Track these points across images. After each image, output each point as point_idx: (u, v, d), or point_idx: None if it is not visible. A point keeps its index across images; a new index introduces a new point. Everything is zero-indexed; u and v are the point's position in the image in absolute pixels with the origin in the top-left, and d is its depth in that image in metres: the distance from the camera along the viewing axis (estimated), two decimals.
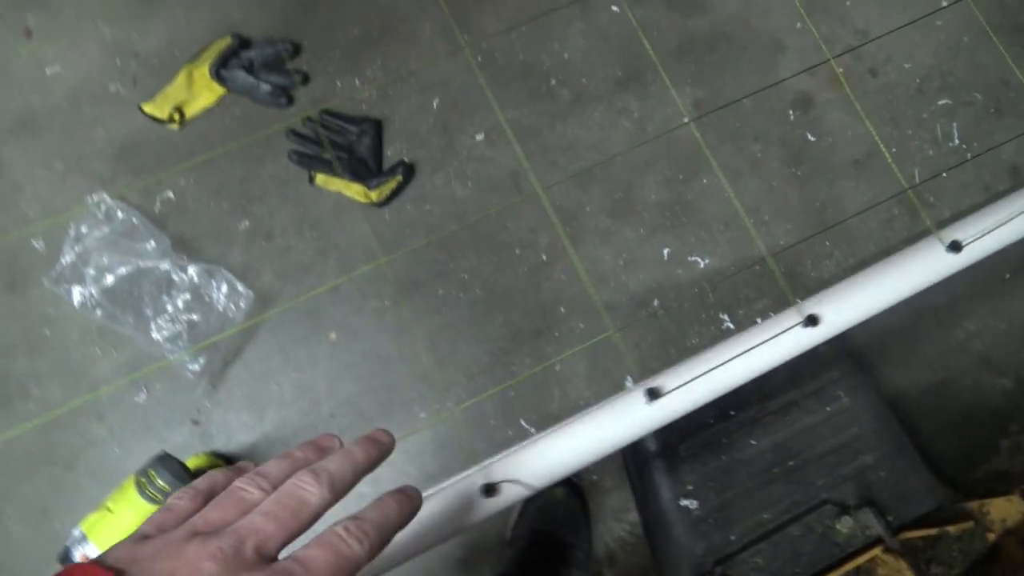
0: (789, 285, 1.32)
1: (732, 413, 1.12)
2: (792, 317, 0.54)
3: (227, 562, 0.34)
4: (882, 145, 1.37)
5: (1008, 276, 1.33)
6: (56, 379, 1.26)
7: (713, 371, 0.52)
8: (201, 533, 0.35)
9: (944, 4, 1.43)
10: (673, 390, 0.51)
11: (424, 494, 0.53)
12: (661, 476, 1.09)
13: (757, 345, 0.53)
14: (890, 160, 1.36)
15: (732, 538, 1.06)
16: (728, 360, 0.52)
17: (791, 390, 1.13)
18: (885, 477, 1.08)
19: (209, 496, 0.40)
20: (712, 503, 1.07)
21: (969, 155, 1.37)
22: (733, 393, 1.12)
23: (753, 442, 1.10)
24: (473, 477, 0.51)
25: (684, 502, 1.07)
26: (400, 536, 0.51)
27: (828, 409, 1.12)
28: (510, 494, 0.52)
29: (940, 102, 1.39)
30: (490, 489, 0.52)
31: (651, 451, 1.11)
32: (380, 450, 0.43)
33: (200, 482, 0.42)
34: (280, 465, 0.42)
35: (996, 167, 1.37)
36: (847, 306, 0.54)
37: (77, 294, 1.26)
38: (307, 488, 0.38)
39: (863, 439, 1.09)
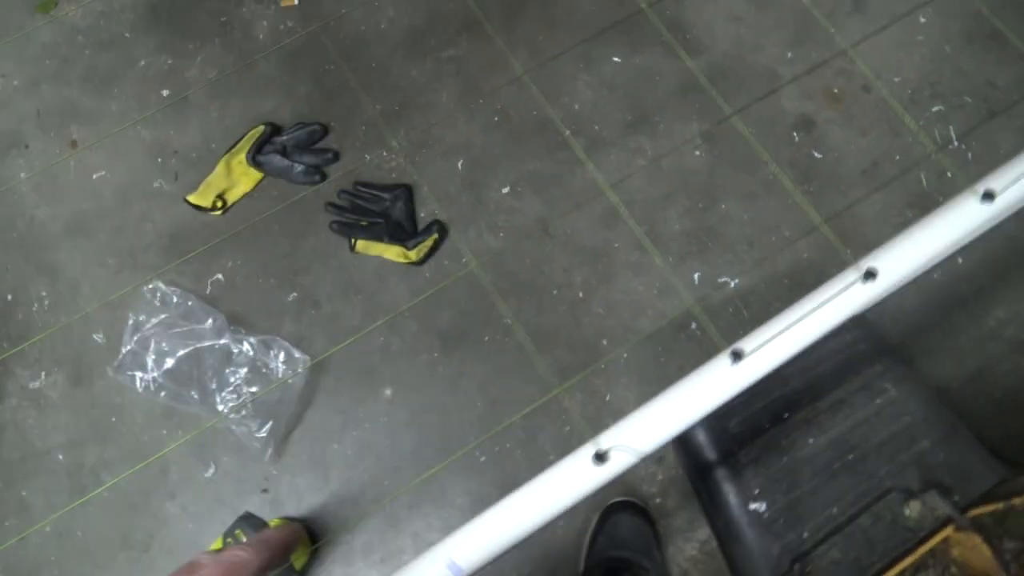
0: None
1: (786, 416, 1.15)
2: (851, 274, 0.59)
3: None
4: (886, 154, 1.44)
5: None
6: (126, 464, 1.30)
7: (790, 329, 0.56)
8: None
9: (922, 20, 1.53)
10: (755, 350, 0.56)
11: (542, 473, 0.57)
12: (727, 484, 1.11)
13: (825, 302, 0.58)
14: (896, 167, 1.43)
15: (805, 535, 1.08)
16: (802, 317, 0.57)
17: (838, 388, 1.17)
18: (944, 459, 1.10)
19: None
20: (780, 504, 1.09)
21: (970, 154, 1.44)
22: (785, 396, 1.16)
23: (811, 440, 1.13)
24: (584, 448, 0.55)
25: (753, 506, 1.10)
26: (522, 514, 0.55)
27: (878, 402, 1.15)
28: (619, 462, 0.56)
29: (934, 109, 1.47)
30: (601, 456, 0.56)
31: (712, 460, 1.14)
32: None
33: None
34: None
35: (997, 163, 1.44)
36: (901, 259, 0.60)
37: (140, 380, 1.31)
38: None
39: (916, 426, 1.13)
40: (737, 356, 0.57)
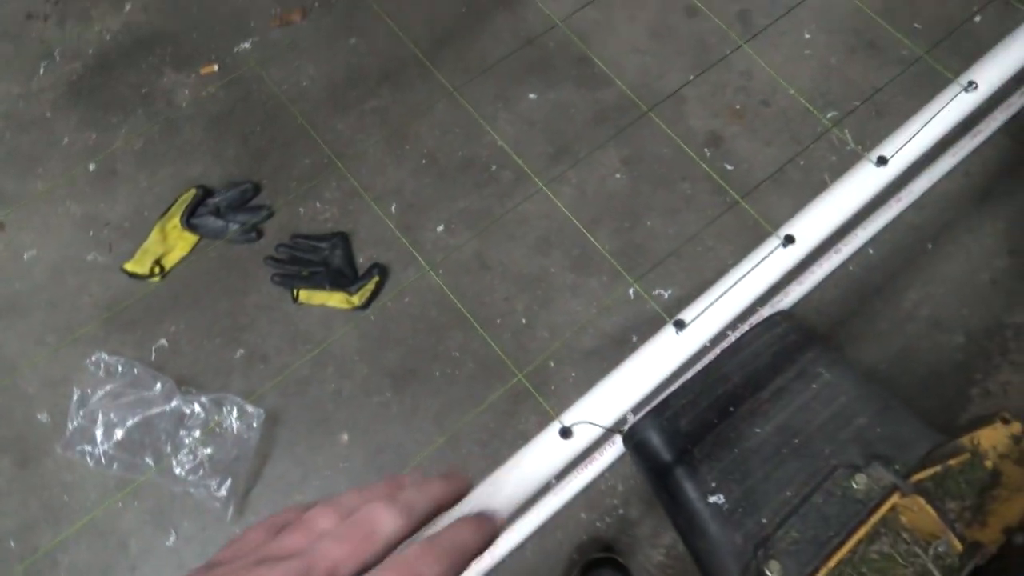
0: None
1: (732, 409, 1.21)
2: (772, 242, 0.65)
3: None
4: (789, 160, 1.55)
5: (931, 246, 1.49)
6: (83, 542, 1.27)
7: (727, 294, 0.62)
8: (270, 559, 0.34)
9: (807, 36, 1.66)
10: (696, 318, 0.61)
11: (509, 461, 0.61)
12: (685, 481, 1.16)
13: (753, 268, 0.63)
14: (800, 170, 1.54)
15: (764, 521, 1.12)
16: (734, 283, 0.62)
17: (777, 378, 1.24)
18: (881, 432, 1.17)
19: (283, 528, 0.38)
20: (736, 493, 1.14)
21: (866, 154, 1.55)
22: (728, 392, 1.22)
23: (757, 430, 1.19)
24: (550, 426, 0.59)
25: (712, 499, 1.14)
26: (497, 497, 0.58)
27: (814, 386, 1.22)
28: (584, 436, 0.60)
29: (828, 115, 1.59)
30: (566, 432, 0.60)
31: (669, 461, 1.18)
32: (458, 486, 0.42)
33: (274, 516, 0.40)
34: (353, 495, 0.39)
35: None
36: (814, 223, 0.66)
37: (90, 455, 1.29)
38: (380, 514, 0.36)
39: (852, 404, 1.20)
40: (680, 325, 0.62)
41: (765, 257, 0.64)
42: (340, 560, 0.34)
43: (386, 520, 0.36)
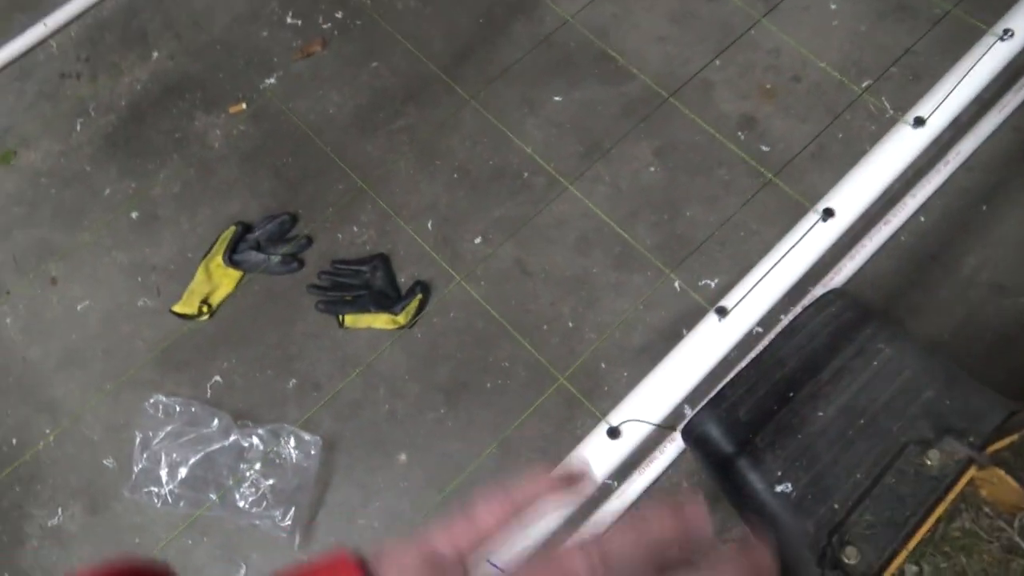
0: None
1: (791, 394, 1.17)
2: (811, 218, 0.63)
3: None
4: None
5: (985, 208, 1.43)
6: None
7: (768, 276, 0.60)
8: None
9: (833, 7, 1.62)
10: (738, 304, 0.59)
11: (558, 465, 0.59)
12: (750, 473, 1.13)
13: (793, 246, 0.61)
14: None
15: (836, 507, 1.08)
16: (774, 265, 0.60)
17: (835, 358, 1.19)
18: (951, 404, 1.13)
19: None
20: (804, 481, 1.11)
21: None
22: (785, 377, 1.19)
23: (820, 414, 1.15)
24: (597, 427, 0.58)
25: (779, 488, 1.11)
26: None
27: (875, 363, 1.18)
28: (633, 434, 0.58)
29: (863, 84, 1.54)
30: (614, 432, 0.58)
31: (731, 453, 1.15)
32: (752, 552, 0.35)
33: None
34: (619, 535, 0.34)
35: None
36: (854, 194, 0.64)
37: (156, 496, 1.31)
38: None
39: (917, 378, 1.15)
40: (722, 312, 0.60)
41: (804, 234, 0.62)
42: None
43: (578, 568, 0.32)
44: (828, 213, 0.63)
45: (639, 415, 0.57)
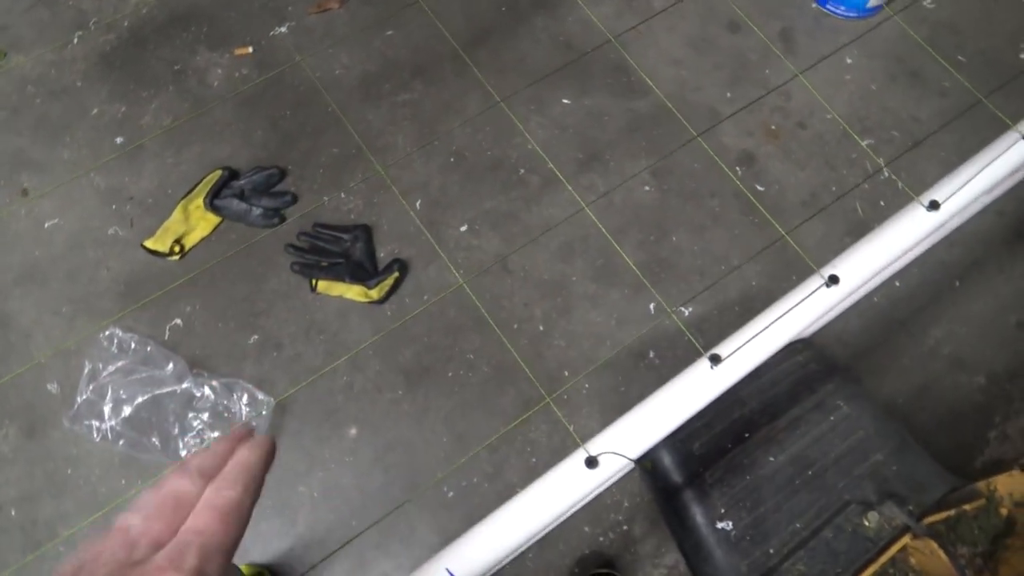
0: None
1: (747, 436, 1.19)
2: (816, 280, 0.63)
3: None
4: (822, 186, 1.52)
5: (958, 284, 1.47)
6: (83, 516, 1.27)
7: (763, 333, 0.60)
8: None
9: (849, 61, 1.63)
10: (732, 353, 0.60)
11: (533, 483, 0.59)
12: (694, 505, 1.14)
13: (795, 306, 0.61)
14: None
15: (771, 551, 1.11)
16: (774, 321, 0.61)
17: (794, 407, 1.21)
18: (897, 471, 1.15)
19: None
20: (746, 521, 1.12)
21: (900, 184, 1.53)
22: (744, 417, 1.20)
23: (771, 458, 1.17)
24: (575, 455, 0.58)
25: (720, 525, 1.12)
26: (519, 521, 0.57)
27: (832, 418, 1.20)
28: (610, 466, 0.58)
29: (864, 142, 1.56)
30: (592, 462, 0.58)
31: (679, 483, 1.16)
32: (242, 434, 0.45)
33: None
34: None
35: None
36: (861, 264, 0.64)
37: (96, 430, 1.29)
38: (175, 483, 0.40)
39: (869, 440, 1.18)
40: (716, 360, 0.61)
41: (808, 295, 0.63)
42: (159, 537, 0.37)
43: (183, 485, 0.39)
44: (833, 280, 0.63)
45: (618, 447, 0.57)
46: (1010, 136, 0.72)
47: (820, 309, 0.63)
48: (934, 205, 0.68)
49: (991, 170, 0.69)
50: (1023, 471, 1.21)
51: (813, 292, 0.63)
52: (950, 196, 0.68)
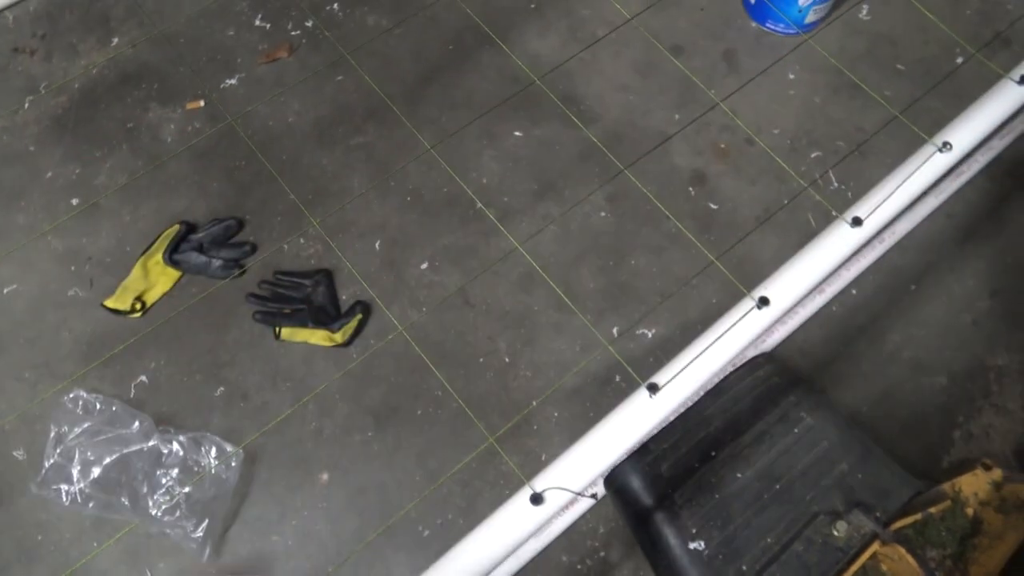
0: None
1: (713, 454, 1.20)
2: (747, 304, 0.65)
3: None
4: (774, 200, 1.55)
5: (913, 287, 1.49)
6: None
7: (700, 356, 0.62)
8: None
9: (791, 76, 1.67)
10: (669, 382, 0.61)
11: (478, 525, 0.60)
12: (666, 527, 1.15)
13: (727, 330, 0.63)
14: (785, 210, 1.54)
15: (744, 568, 1.11)
16: (708, 346, 0.62)
17: (758, 422, 1.23)
18: (863, 479, 1.17)
19: None
20: (717, 540, 1.13)
21: (849, 193, 1.56)
22: (709, 436, 1.22)
23: (739, 475, 1.18)
24: (520, 493, 0.59)
25: (692, 545, 1.13)
26: (469, 561, 0.57)
27: (796, 431, 1.22)
28: (556, 501, 0.59)
29: (812, 155, 1.60)
30: (537, 499, 0.59)
31: (649, 506, 1.17)
32: None
33: None
34: None
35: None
36: (789, 285, 0.66)
37: (65, 493, 1.28)
38: None
39: (834, 450, 1.19)
40: (653, 389, 0.62)
41: (739, 319, 0.64)
42: None
43: None
44: (763, 301, 0.65)
45: (562, 482, 0.58)
46: (926, 150, 0.74)
47: (753, 331, 0.65)
48: (857, 221, 0.70)
49: (910, 184, 0.72)
50: (986, 470, 1.23)
51: (744, 315, 0.65)
52: (872, 212, 0.70)
